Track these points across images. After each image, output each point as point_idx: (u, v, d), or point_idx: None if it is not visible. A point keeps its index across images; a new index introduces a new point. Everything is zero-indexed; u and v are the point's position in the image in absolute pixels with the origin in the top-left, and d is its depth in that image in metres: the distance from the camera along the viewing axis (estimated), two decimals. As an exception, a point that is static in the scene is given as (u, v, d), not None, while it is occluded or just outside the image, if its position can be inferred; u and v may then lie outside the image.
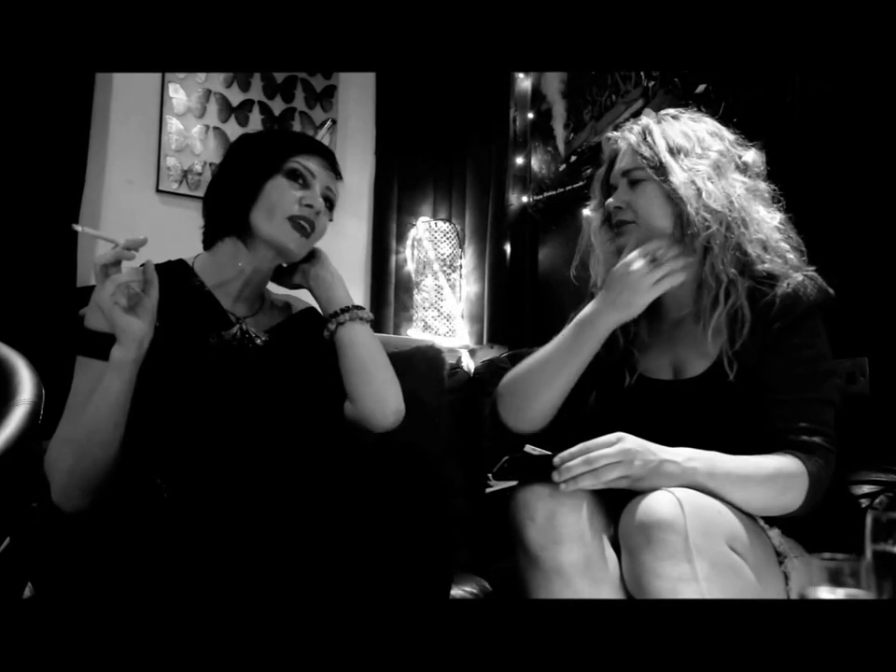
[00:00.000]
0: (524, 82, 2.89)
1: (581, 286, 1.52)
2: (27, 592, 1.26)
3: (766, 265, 1.33)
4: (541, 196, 2.76)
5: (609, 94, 2.55)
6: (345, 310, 1.37)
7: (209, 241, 1.40)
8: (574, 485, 1.16)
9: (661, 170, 1.34)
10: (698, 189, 1.31)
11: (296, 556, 1.08)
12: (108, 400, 1.15)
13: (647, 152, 1.35)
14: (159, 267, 1.19)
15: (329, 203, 1.39)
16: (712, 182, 1.32)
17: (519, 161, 2.85)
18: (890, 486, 1.43)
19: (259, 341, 1.35)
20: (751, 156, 1.39)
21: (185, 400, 1.25)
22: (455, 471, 1.97)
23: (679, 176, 1.32)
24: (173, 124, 2.60)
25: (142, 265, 1.17)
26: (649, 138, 1.36)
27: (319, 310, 1.45)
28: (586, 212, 1.52)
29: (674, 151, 1.34)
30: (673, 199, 1.33)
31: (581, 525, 1.19)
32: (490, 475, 1.24)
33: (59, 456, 1.17)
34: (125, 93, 2.53)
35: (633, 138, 1.38)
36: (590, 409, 1.47)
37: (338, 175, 1.40)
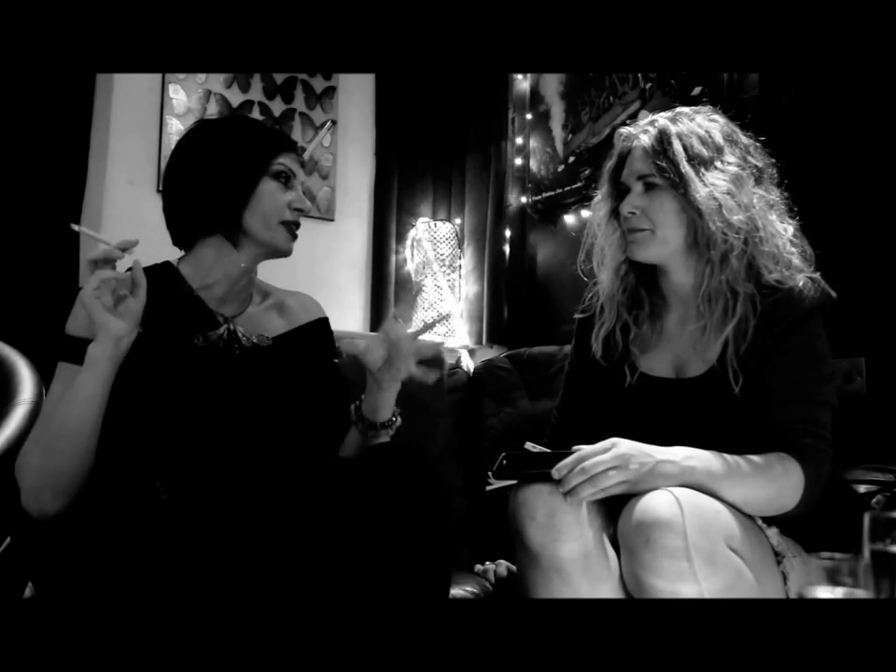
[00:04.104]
0: (522, 83, 2.90)
1: (585, 278, 1.52)
2: (27, 592, 1.26)
3: (774, 275, 1.32)
4: (540, 196, 2.76)
5: (607, 96, 2.56)
6: (387, 424, 1.37)
7: (189, 239, 1.37)
8: (575, 496, 1.16)
9: (680, 182, 1.32)
10: (719, 205, 1.30)
11: (295, 557, 1.08)
12: (79, 398, 1.15)
13: (665, 162, 1.33)
14: (145, 270, 1.19)
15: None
16: (732, 196, 1.31)
17: (518, 161, 2.86)
18: (888, 486, 1.43)
19: (245, 341, 1.34)
20: (762, 160, 1.38)
21: (173, 403, 1.25)
22: (455, 471, 1.98)
23: (700, 191, 1.30)
24: (173, 125, 2.60)
25: (129, 269, 1.17)
26: (667, 145, 1.33)
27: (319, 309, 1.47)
28: (594, 201, 1.51)
29: (694, 162, 1.32)
30: (690, 210, 1.32)
31: (581, 524, 1.19)
32: (490, 473, 1.24)
33: (28, 457, 1.17)
34: (126, 94, 2.53)
35: (649, 142, 1.35)
36: (592, 410, 1.47)
37: (303, 164, 1.42)
